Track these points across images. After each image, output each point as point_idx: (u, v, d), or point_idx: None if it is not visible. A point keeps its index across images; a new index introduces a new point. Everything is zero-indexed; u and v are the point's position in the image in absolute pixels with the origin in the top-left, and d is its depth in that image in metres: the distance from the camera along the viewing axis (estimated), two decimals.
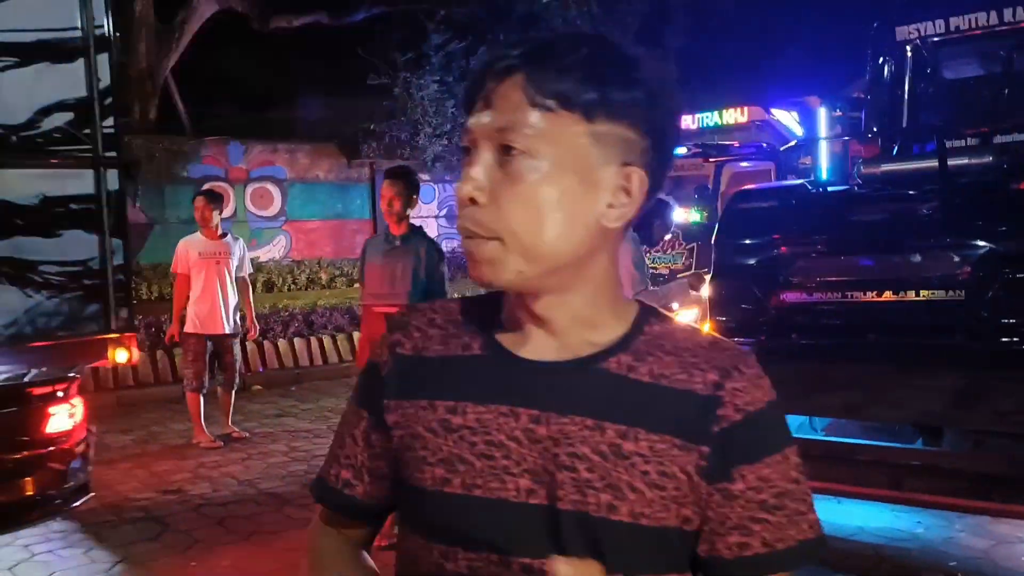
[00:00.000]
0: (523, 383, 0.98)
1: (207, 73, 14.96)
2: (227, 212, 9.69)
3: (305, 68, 16.12)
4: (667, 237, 6.19)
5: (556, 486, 0.95)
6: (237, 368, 7.39)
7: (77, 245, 4.32)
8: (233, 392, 7.45)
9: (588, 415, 0.96)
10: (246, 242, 7.68)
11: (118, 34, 4.59)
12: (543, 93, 0.93)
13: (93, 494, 4.59)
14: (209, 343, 7.13)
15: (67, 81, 4.26)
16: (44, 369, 4.35)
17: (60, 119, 4.24)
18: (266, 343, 10.27)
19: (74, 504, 4.44)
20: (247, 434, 7.55)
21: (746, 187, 6.65)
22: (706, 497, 0.98)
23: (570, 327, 1.00)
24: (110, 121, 4.35)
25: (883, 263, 5.12)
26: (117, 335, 4.40)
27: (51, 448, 4.22)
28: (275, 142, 14.33)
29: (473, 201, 0.95)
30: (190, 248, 7.21)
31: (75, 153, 4.28)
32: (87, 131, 4.26)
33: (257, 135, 14.11)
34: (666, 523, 0.97)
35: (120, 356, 4.43)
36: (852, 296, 5.12)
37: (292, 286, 12.77)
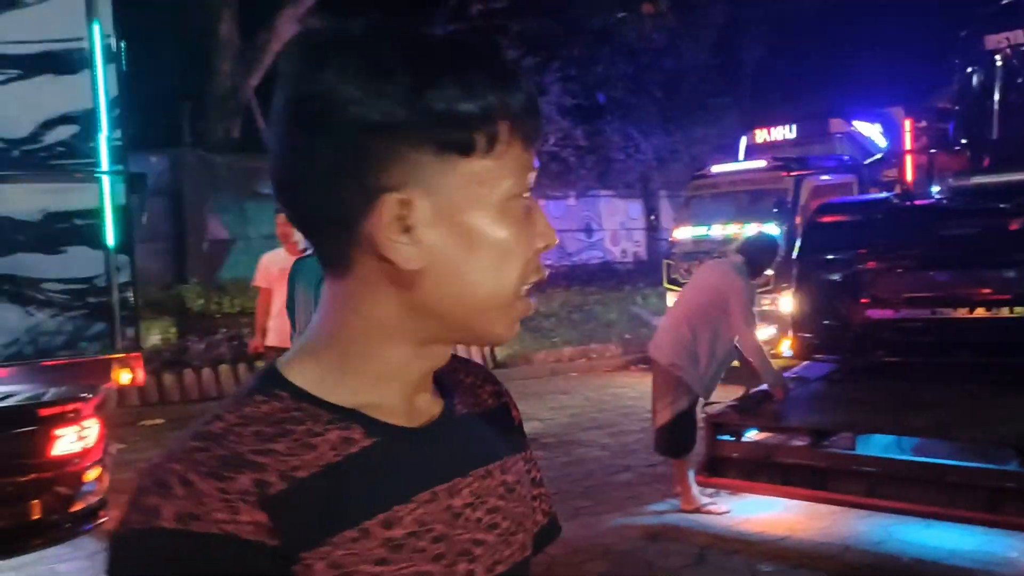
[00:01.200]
0: (422, 458, 0.82)
1: None
2: None
3: None
4: (768, 272, 5.96)
5: (491, 551, 0.85)
6: None
7: (81, 262, 4.17)
8: None
9: (478, 465, 0.87)
10: None
11: (123, 43, 4.39)
12: None
13: (107, 519, 4.30)
14: None
15: (72, 93, 4.13)
16: (53, 389, 4.14)
17: (64, 132, 4.13)
18: None
19: (86, 529, 4.20)
20: None
21: (829, 200, 6.54)
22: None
23: (429, 378, 0.88)
24: (117, 133, 4.21)
25: (974, 278, 4.98)
26: (122, 355, 4.22)
27: (58, 471, 3.97)
28: None
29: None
30: (272, 263, 7.36)
31: (79, 166, 4.15)
32: (92, 144, 4.15)
33: None
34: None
35: (124, 377, 4.24)
36: (942, 313, 4.99)
37: None
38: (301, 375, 0.78)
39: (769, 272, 5.98)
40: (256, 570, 0.69)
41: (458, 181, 0.75)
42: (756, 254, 5.52)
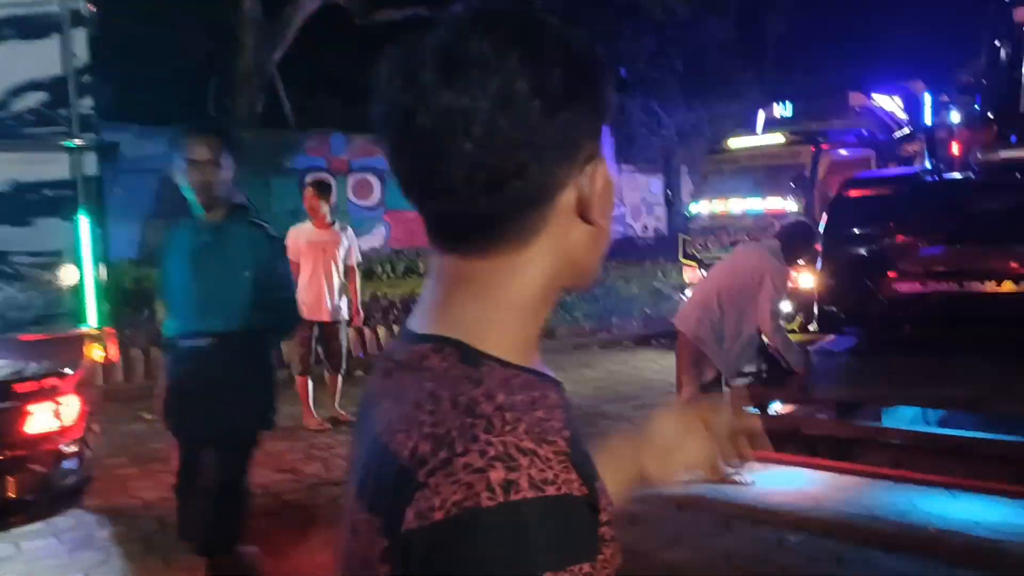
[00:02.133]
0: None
1: (310, 67, 15.34)
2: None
3: None
4: (800, 262, 5.93)
5: None
6: (343, 353, 7.60)
7: (52, 234, 4.01)
8: (340, 376, 7.67)
9: None
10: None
11: (93, 7, 4.18)
12: None
13: (84, 499, 4.25)
14: (315, 329, 7.37)
15: (42, 59, 3.95)
16: (27, 365, 3.99)
17: (33, 99, 3.96)
18: (366, 330, 10.52)
19: (65, 507, 4.13)
20: (354, 418, 7.75)
21: (857, 174, 6.55)
22: None
23: None
24: (88, 101, 4.03)
25: (1003, 253, 5.00)
26: (95, 331, 4.07)
27: (33, 449, 3.84)
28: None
29: None
30: (299, 236, 7.45)
31: (49, 136, 3.98)
32: (63, 112, 3.98)
33: (358, 127, 14.41)
34: None
35: (97, 353, 4.10)
36: (969, 287, 5.01)
37: (391, 275, 13.06)
38: (486, 345, 0.80)
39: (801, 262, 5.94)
40: (594, 523, 0.74)
41: (606, 144, 0.84)
42: (793, 242, 5.52)
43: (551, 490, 0.70)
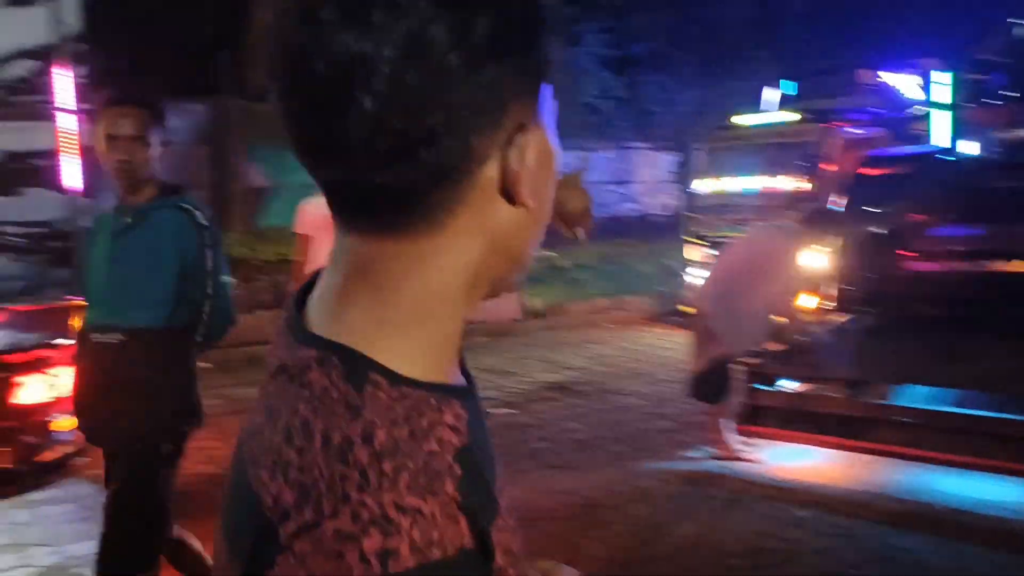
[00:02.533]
0: (482, 420, 0.74)
1: None
2: None
3: None
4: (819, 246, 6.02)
5: None
6: None
7: (41, 204, 3.95)
8: None
9: None
10: None
11: None
12: None
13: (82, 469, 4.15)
14: None
15: (31, 26, 3.88)
16: (18, 336, 3.91)
17: (22, 67, 3.90)
18: None
19: (58, 478, 4.06)
20: None
21: (877, 153, 6.52)
22: None
23: None
24: (81, 70, 3.96)
25: (1020, 232, 4.98)
26: (84, 302, 3.91)
27: (23, 420, 3.79)
28: None
29: None
30: (311, 210, 7.47)
31: (39, 104, 3.90)
32: (54, 80, 3.91)
33: None
34: None
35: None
36: (986, 266, 5.00)
37: None
38: (382, 353, 0.67)
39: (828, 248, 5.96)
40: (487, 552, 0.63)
41: (546, 110, 0.70)
42: (815, 225, 5.53)
43: (436, 553, 0.58)
